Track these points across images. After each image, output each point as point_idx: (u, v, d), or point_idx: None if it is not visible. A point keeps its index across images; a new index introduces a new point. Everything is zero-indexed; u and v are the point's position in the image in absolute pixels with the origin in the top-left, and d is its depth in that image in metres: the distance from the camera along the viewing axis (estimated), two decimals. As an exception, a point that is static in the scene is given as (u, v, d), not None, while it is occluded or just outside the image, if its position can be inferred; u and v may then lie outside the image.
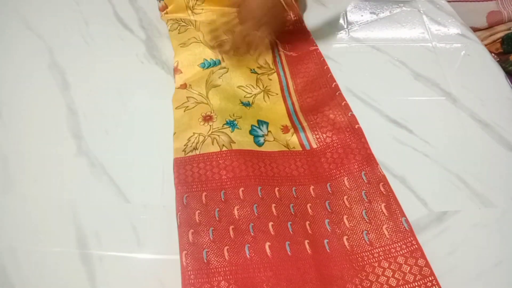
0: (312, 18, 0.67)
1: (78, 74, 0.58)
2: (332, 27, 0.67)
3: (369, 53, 0.62)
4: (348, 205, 0.43)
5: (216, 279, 0.37)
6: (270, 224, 0.41)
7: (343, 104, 0.52)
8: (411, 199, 0.46)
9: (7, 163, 0.48)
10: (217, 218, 0.41)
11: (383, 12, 0.69)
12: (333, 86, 0.55)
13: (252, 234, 0.40)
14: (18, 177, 0.47)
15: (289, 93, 0.56)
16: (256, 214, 0.41)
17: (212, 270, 0.38)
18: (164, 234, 0.43)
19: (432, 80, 0.58)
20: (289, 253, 0.39)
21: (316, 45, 0.62)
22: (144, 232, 0.44)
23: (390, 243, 0.40)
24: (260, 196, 0.43)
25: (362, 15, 0.69)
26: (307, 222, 0.42)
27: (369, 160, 0.46)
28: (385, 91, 0.57)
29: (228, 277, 0.37)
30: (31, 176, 0.47)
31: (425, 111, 0.55)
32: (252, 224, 0.40)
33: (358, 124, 0.50)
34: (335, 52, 0.61)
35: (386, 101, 0.56)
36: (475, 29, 0.89)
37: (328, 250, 0.40)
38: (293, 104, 0.55)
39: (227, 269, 0.38)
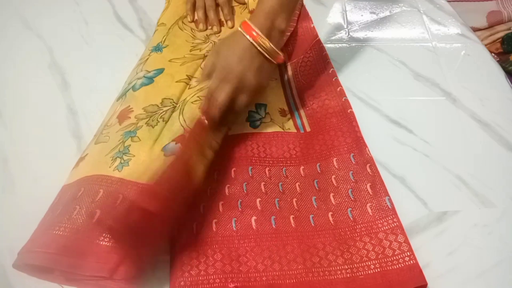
0: (312, 18, 0.67)
1: (78, 74, 0.58)
2: (332, 27, 0.67)
3: (369, 53, 0.62)
4: (335, 184, 0.45)
5: (203, 248, 0.40)
6: (258, 200, 0.43)
7: (338, 90, 0.54)
8: (411, 199, 0.46)
9: (7, 163, 0.48)
10: (208, 195, 0.44)
11: (383, 12, 0.69)
12: (330, 72, 0.57)
13: (239, 209, 0.42)
14: (18, 177, 0.47)
15: (288, 79, 0.58)
16: (245, 192, 0.44)
17: (200, 240, 0.40)
18: (164, 234, 0.43)
19: (432, 80, 0.58)
20: (273, 226, 0.42)
21: (318, 36, 0.62)
22: (144, 232, 0.44)
23: (373, 220, 0.42)
24: (250, 175, 0.45)
25: (362, 15, 0.69)
26: (294, 199, 0.44)
27: (358, 142, 0.48)
28: (385, 91, 0.57)
29: (214, 246, 0.40)
30: (31, 176, 0.47)
31: (425, 111, 0.55)
32: (241, 200, 0.43)
33: (351, 108, 0.51)
34: (335, 52, 0.61)
35: (386, 101, 0.56)
36: (475, 29, 0.89)
37: (313, 224, 0.42)
38: (291, 89, 0.57)
39: (213, 239, 0.40)
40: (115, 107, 0.50)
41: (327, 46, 0.62)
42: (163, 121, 0.47)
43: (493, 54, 0.74)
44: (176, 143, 0.44)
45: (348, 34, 0.65)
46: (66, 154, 0.49)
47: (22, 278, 0.40)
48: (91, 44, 0.62)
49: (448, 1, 0.72)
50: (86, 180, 0.42)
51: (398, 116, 0.54)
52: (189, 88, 0.51)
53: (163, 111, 0.48)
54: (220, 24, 0.63)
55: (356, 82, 0.57)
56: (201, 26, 0.62)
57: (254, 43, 0.43)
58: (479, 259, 0.42)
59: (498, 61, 0.65)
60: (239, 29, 0.44)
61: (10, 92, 0.56)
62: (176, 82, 0.52)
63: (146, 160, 0.43)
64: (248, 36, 0.43)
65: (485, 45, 0.75)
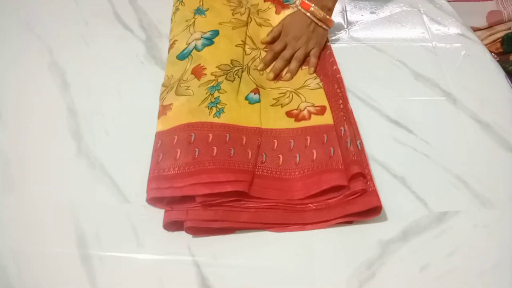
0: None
1: (78, 75, 0.58)
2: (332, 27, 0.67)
3: (369, 53, 0.62)
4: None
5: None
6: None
7: (330, 60, 0.59)
8: (411, 199, 0.46)
9: (7, 164, 0.48)
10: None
11: (383, 12, 0.69)
12: (331, 60, 0.59)
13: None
14: (18, 178, 0.47)
15: None
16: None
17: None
18: (164, 234, 0.43)
19: (432, 80, 0.58)
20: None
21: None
22: (144, 232, 0.44)
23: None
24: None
25: (362, 15, 0.69)
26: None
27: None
28: (385, 91, 0.57)
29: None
30: (31, 177, 0.47)
31: (425, 111, 0.55)
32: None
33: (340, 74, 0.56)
34: (335, 52, 0.60)
35: (386, 101, 0.56)
36: (475, 29, 0.89)
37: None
38: None
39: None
40: (184, 65, 0.56)
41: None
42: (238, 77, 0.56)
43: (493, 54, 0.74)
44: (254, 94, 0.55)
45: (348, 34, 0.65)
46: (66, 155, 0.49)
47: (23, 278, 0.40)
48: (91, 44, 0.62)
49: (448, 1, 0.72)
50: (192, 126, 0.48)
51: (398, 116, 0.54)
52: (246, 55, 0.60)
53: (236, 70, 0.57)
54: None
55: (356, 82, 0.57)
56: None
57: (311, 16, 0.59)
58: (479, 259, 0.42)
59: (498, 61, 0.65)
60: (299, 7, 0.60)
61: (10, 93, 0.56)
62: (235, 46, 0.60)
63: (236, 106, 0.52)
64: (306, 11, 0.59)
65: (485, 45, 0.75)
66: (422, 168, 0.49)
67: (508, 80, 0.59)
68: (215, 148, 0.46)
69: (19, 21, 0.65)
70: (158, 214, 0.44)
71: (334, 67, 0.57)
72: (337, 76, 0.56)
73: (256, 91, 0.55)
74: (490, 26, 0.91)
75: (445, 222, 0.44)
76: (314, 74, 0.58)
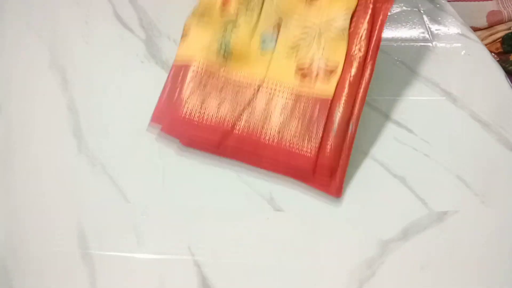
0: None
1: (78, 74, 0.58)
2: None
3: (369, 53, 0.62)
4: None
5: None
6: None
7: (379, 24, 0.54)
8: (411, 199, 0.46)
9: (7, 163, 0.48)
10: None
11: (383, 12, 0.69)
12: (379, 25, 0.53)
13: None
14: (18, 177, 0.47)
15: None
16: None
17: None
18: (164, 233, 0.43)
19: (432, 80, 0.58)
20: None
21: None
22: (144, 231, 0.44)
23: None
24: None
25: (362, 15, 0.69)
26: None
27: None
28: (385, 91, 0.57)
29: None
30: (31, 176, 0.47)
31: (425, 111, 0.55)
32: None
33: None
34: (335, 52, 0.60)
35: (386, 101, 0.56)
36: (475, 29, 0.89)
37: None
38: None
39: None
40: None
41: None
42: (258, 9, 0.53)
43: (493, 54, 0.74)
44: (272, 34, 0.52)
45: (348, 34, 0.65)
46: (66, 154, 0.49)
47: (23, 278, 0.40)
48: (91, 43, 0.62)
49: (448, 1, 0.72)
50: (199, 69, 0.50)
51: (398, 116, 0.54)
52: None
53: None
54: None
55: (356, 82, 0.57)
56: None
57: None
58: (480, 259, 0.42)
59: (498, 61, 0.65)
60: None
61: (9, 91, 0.56)
62: None
63: (245, 52, 0.51)
64: None
65: (485, 44, 0.75)
66: (422, 167, 0.49)
67: (508, 80, 0.59)
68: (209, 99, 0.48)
69: (19, 20, 0.65)
70: (158, 213, 0.44)
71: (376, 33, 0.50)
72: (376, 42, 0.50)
73: (277, 27, 0.52)
74: (490, 26, 0.91)
75: (445, 221, 0.44)
76: (350, 6, 0.51)
